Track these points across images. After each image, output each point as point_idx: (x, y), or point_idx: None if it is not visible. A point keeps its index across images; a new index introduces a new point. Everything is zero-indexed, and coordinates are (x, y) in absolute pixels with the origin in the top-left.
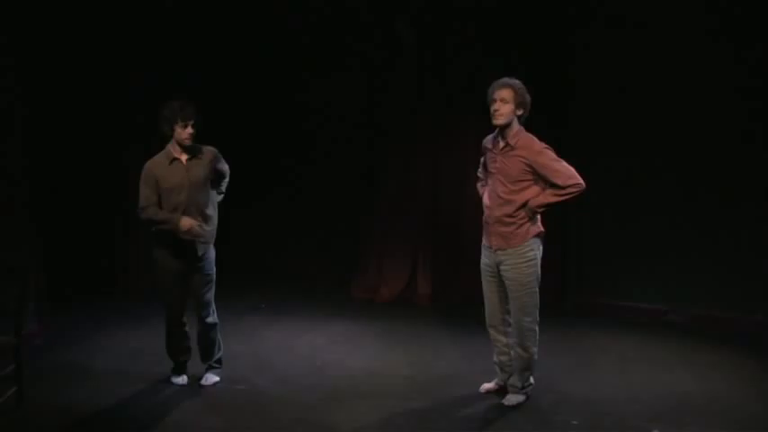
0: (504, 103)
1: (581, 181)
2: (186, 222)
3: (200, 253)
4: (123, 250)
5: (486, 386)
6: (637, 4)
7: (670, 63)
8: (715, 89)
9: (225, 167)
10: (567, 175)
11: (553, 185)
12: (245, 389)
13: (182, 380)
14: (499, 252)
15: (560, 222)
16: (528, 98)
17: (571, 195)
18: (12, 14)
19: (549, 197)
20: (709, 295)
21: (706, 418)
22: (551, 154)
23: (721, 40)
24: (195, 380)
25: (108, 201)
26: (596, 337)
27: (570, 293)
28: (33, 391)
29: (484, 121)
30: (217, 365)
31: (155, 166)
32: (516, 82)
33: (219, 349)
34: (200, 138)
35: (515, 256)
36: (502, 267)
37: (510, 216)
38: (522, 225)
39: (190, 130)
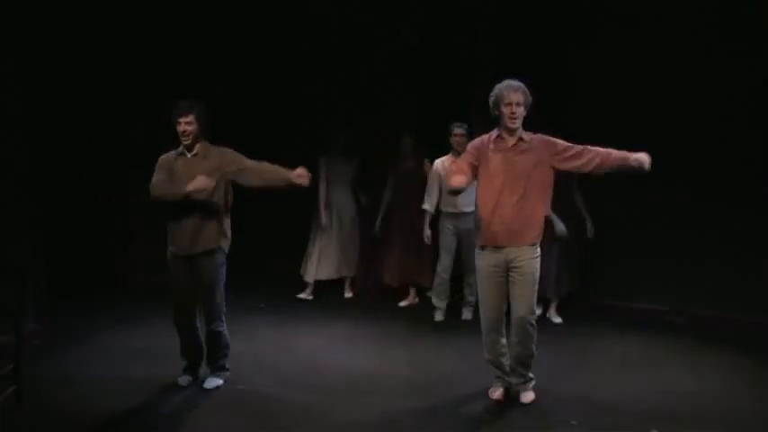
0: (519, 106)
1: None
2: (198, 182)
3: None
4: (123, 250)
5: (496, 395)
6: (637, 5)
7: (671, 63)
8: (715, 89)
9: None
10: (591, 147)
11: (580, 164)
12: (245, 389)
13: (183, 380)
14: (511, 249)
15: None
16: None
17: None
18: (12, 15)
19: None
20: (710, 295)
21: (706, 418)
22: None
23: (722, 39)
24: (198, 382)
25: (108, 200)
26: (597, 337)
27: (571, 293)
28: (33, 392)
29: (484, 121)
30: (220, 370)
31: (164, 158)
32: (523, 84)
33: (225, 355)
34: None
35: (528, 251)
36: (515, 264)
37: (526, 210)
38: (536, 223)
39: (183, 126)
